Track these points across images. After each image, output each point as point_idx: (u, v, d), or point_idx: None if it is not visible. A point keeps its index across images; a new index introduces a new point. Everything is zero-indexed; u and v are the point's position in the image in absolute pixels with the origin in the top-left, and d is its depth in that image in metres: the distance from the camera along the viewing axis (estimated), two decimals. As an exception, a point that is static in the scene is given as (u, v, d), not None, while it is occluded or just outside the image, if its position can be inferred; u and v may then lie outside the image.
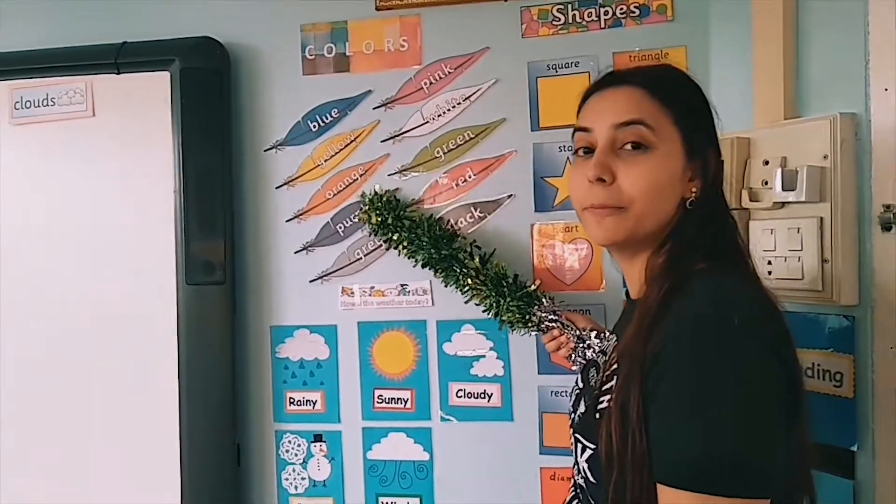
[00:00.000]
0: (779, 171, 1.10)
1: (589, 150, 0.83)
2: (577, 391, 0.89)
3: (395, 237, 1.43)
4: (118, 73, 1.56)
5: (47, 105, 1.59)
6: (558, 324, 1.27)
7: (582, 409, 0.83)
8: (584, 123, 0.85)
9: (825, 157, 1.07)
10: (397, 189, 1.51)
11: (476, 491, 1.49)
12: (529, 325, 1.33)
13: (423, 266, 1.42)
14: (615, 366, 0.77)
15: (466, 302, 1.40)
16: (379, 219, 1.44)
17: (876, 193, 1.04)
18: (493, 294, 1.35)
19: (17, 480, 1.60)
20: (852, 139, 1.06)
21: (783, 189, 1.09)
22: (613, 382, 0.75)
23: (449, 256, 1.40)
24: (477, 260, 1.38)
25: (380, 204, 1.45)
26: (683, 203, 0.81)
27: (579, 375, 0.93)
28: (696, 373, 0.66)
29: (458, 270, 1.39)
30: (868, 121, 1.05)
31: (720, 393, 0.65)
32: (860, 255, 1.06)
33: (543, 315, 1.30)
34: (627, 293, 0.92)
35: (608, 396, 0.75)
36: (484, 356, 1.48)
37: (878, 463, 1.03)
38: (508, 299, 1.33)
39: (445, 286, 1.43)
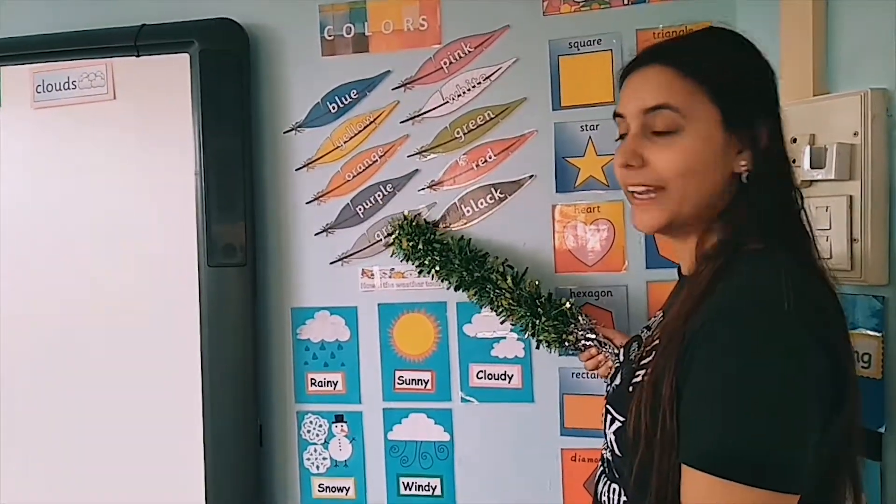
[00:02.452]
0: (807, 148, 1.07)
1: (625, 136, 0.83)
2: (618, 364, 0.89)
3: (426, 261, 1.42)
4: (138, 56, 1.56)
5: (68, 88, 1.60)
6: (595, 342, 1.26)
7: (618, 381, 0.83)
8: (618, 110, 0.85)
9: (855, 133, 1.05)
10: (423, 212, 1.51)
11: (496, 472, 1.49)
12: (566, 343, 1.31)
13: (457, 289, 1.40)
14: (656, 342, 0.76)
15: (502, 322, 1.40)
16: (410, 244, 1.42)
17: (908, 171, 1.01)
18: (528, 314, 1.33)
19: (37, 460, 1.63)
20: (883, 115, 1.04)
21: (811, 167, 1.07)
22: (651, 358, 0.74)
23: (482, 278, 1.37)
24: (509, 280, 1.35)
25: (410, 229, 1.44)
26: (737, 177, 0.78)
27: (622, 350, 0.92)
28: (732, 357, 0.65)
29: (492, 291, 1.36)
30: (900, 96, 1.02)
31: (755, 380, 0.63)
32: (890, 235, 1.04)
33: (580, 333, 1.28)
34: (679, 269, 0.91)
35: (644, 371, 0.75)
36: (504, 337, 1.48)
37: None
38: (543, 319, 1.31)
39: (480, 308, 1.43)
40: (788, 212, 0.78)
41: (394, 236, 1.47)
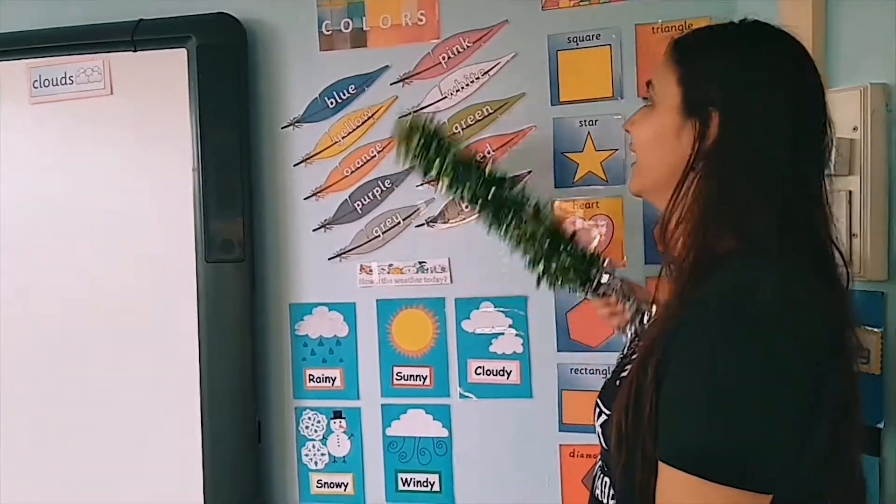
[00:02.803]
0: (806, 143, 1.07)
1: None
2: (619, 359, 0.90)
3: (437, 166, 1.19)
4: (135, 51, 1.55)
5: (65, 83, 1.59)
6: (616, 293, 1.13)
7: (609, 376, 0.85)
8: None
9: (854, 128, 1.04)
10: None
11: (495, 468, 1.49)
12: (585, 285, 1.14)
13: (470, 202, 1.19)
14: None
15: (512, 252, 1.19)
16: (422, 141, 1.20)
17: (907, 166, 1.01)
18: (547, 248, 1.14)
19: (38, 456, 1.62)
20: (883, 110, 1.03)
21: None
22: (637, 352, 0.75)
23: (500, 198, 1.17)
24: (532, 207, 1.17)
25: (421, 126, 1.21)
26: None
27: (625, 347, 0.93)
28: (710, 357, 0.65)
29: (509, 215, 1.16)
30: (900, 91, 1.02)
31: (731, 380, 0.63)
32: (889, 230, 1.04)
33: (604, 277, 1.13)
34: None
35: (630, 366, 0.75)
36: (503, 333, 1.48)
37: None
38: (564, 255, 1.14)
39: (490, 231, 1.21)
40: (759, 210, 0.73)
41: (401, 134, 1.22)
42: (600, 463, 0.86)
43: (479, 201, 1.18)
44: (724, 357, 0.64)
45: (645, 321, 1.07)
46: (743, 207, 0.73)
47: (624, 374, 0.77)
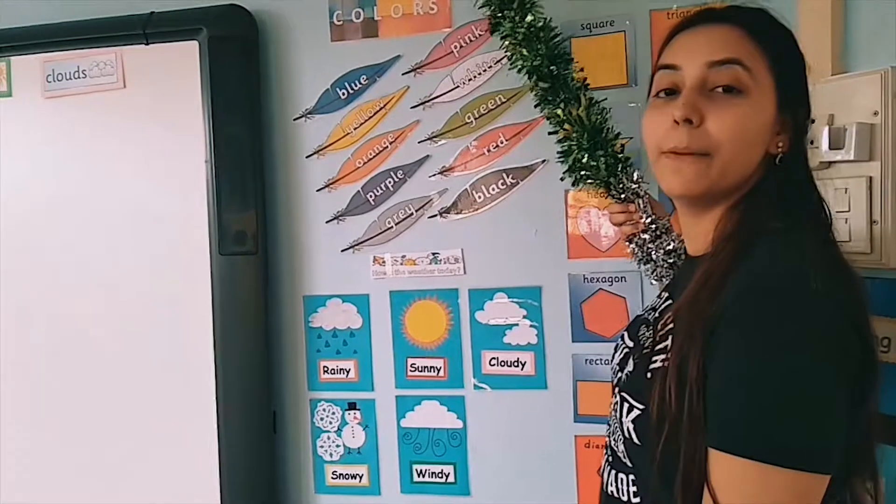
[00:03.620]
0: (826, 129, 1.05)
1: (672, 92, 0.77)
2: (626, 349, 0.85)
3: (507, 22, 1.20)
4: (147, 44, 1.55)
5: (79, 77, 1.60)
6: (640, 202, 1.14)
7: (630, 367, 0.80)
8: (671, 61, 0.78)
9: (875, 113, 1.03)
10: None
11: (510, 459, 1.49)
12: (609, 187, 1.17)
13: (528, 74, 1.20)
14: (671, 325, 0.74)
15: (550, 133, 1.22)
16: None
17: (930, 151, 0.99)
18: (585, 141, 1.16)
19: (55, 447, 1.64)
20: (905, 94, 1.01)
21: (830, 148, 1.05)
22: (669, 342, 0.72)
23: (559, 78, 1.18)
24: (585, 102, 1.17)
25: None
26: (767, 158, 0.76)
27: (626, 332, 0.90)
28: (762, 338, 0.63)
29: (560, 98, 1.18)
30: (922, 74, 1.00)
31: (786, 360, 0.62)
32: (911, 216, 1.02)
33: (630, 185, 1.15)
34: (684, 251, 0.88)
35: (662, 356, 0.73)
36: (517, 324, 1.47)
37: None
38: (599, 152, 1.16)
39: (539, 108, 1.24)
40: (810, 195, 0.76)
41: None
42: (610, 459, 0.83)
43: (539, 75, 1.19)
44: (780, 339, 0.63)
45: (670, 245, 1.09)
46: (804, 192, 0.77)
47: (654, 365, 0.74)
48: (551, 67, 1.18)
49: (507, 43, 1.23)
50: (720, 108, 0.73)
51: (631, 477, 0.78)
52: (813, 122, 1.08)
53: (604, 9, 1.40)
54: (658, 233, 1.13)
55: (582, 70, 1.22)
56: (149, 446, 1.60)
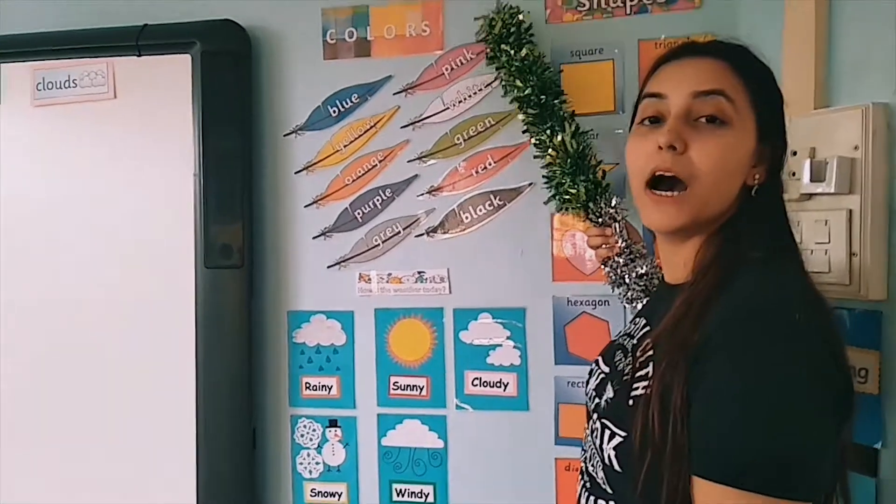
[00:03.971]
0: (807, 161, 1.07)
1: (656, 120, 0.79)
2: (602, 375, 0.86)
3: (506, 56, 1.30)
4: (139, 56, 1.56)
5: (69, 87, 1.59)
6: (616, 226, 1.22)
7: (610, 394, 0.80)
8: (656, 89, 0.80)
9: (856, 147, 1.05)
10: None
11: (490, 480, 1.49)
12: (588, 211, 1.25)
13: (517, 102, 1.31)
14: (650, 352, 0.75)
15: (535, 157, 1.33)
16: (504, 31, 1.30)
17: (908, 185, 1.01)
18: (568, 164, 1.25)
19: (30, 461, 1.62)
20: (884, 130, 1.03)
21: (811, 180, 1.07)
22: (650, 369, 0.73)
23: (548, 107, 1.28)
24: (570, 130, 1.27)
25: (511, 14, 1.32)
26: (744, 189, 0.78)
27: (601, 358, 0.90)
28: (748, 367, 0.64)
29: (547, 124, 1.27)
30: (902, 111, 1.02)
31: (772, 388, 0.63)
32: (889, 249, 1.04)
33: (608, 211, 1.23)
34: (661, 277, 0.90)
35: (644, 383, 0.73)
36: (500, 345, 1.48)
37: (884, 460, 1.01)
38: (581, 177, 1.24)
39: (527, 134, 1.33)
40: (785, 226, 0.79)
41: (490, 17, 1.33)
42: (587, 484, 0.83)
43: (528, 104, 1.28)
44: (765, 368, 0.63)
45: (641, 269, 1.14)
46: (780, 223, 0.79)
47: (635, 392, 0.74)
48: (541, 97, 1.27)
49: (501, 73, 1.31)
50: (703, 138, 0.75)
51: (611, 503, 0.79)
52: (794, 154, 1.11)
53: (593, 37, 1.42)
54: (632, 257, 1.19)
55: (569, 102, 1.30)
56: (127, 457, 1.57)
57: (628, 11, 1.41)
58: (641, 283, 1.18)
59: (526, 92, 1.27)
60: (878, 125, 1.03)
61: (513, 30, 1.30)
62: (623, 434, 0.75)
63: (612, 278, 1.23)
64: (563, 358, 1.45)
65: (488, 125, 1.47)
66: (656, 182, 0.78)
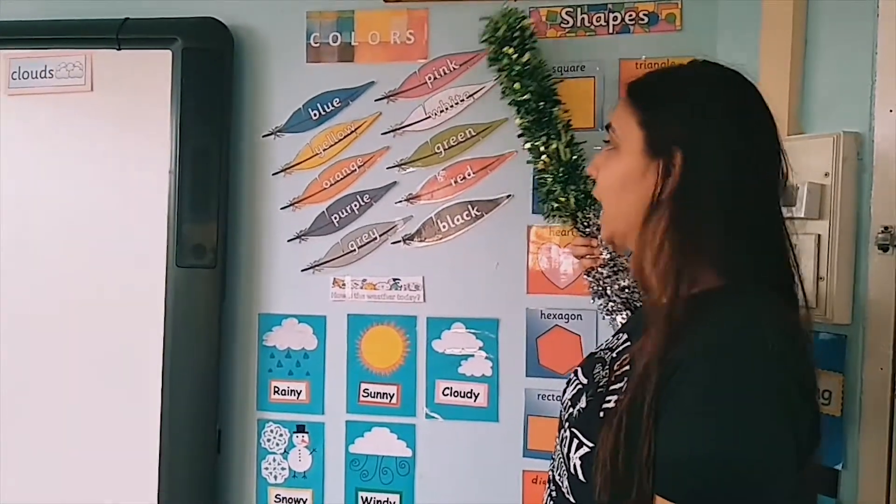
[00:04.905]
0: (779, 186, 1.09)
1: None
2: (579, 386, 0.86)
3: (507, 59, 1.31)
4: (119, 49, 1.54)
5: (45, 77, 1.57)
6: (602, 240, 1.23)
7: (583, 404, 0.81)
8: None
9: (826, 174, 1.07)
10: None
11: (457, 490, 1.48)
12: (576, 220, 1.29)
13: (518, 105, 1.32)
14: (627, 367, 0.76)
15: (528, 162, 1.35)
16: (508, 33, 1.31)
17: (875, 214, 1.03)
18: (559, 174, 1.28)
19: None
20: (854, 158, 1.06)
21: (783, 205, 1.09)
22: (624, 384, 0.74)
23: (545, 114, 1.31)
24: (565, 139, 1.30)
25: (516, 18, 1.32)
26: (654, 201, 0.79)
27: (580, 369, 0.91)
28: (717, 393, 0.65)
29: (543, 131, 1.30)
30: (871, 141, 1.05)
31: (738, 415, 0.64)
32: (855, 275, 1.06)
33: (596, 222, 1.25)
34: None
35: (616, 396, 0.74)
36: (473, 355, 1.48)
37: (862, 483, 1.03)
38: (571, 187, 1.28)
39: (520, 136, 1.35)
40: (730, 244, 0.75)
41: (495, 20, 1.34)
42: (556, 494, 0.84)
43: (527, 109, 1.31)
44: (730, 393, 0.65)
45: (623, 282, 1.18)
46: (714, 242, 0.75)
47: (607, 405, 0.75)
48: (539, 103, 1.29)
49: (502, 76, 1.33)
50: (601, 162, 0.87)
51: None
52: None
53: (576, 54, 1.44)
54: (615, 269, 1.20)
55: (567, 111, 1.33)
56: (88, 456, 1.54)
57: (611, 31, 1.43)
58: (623, 296, 1.20)
59: (524, 97, 1.30)
60: (849, 153, 1.06)
61: (517, 34, 1.32)
62: (590, 445, 0.75)
63: (593, 289, 1.24)
64: (534, 370, 1.45)
65: (469, 135, 1.48)
66: None
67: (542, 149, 1.30)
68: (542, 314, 1.45)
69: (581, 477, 0.76)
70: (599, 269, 1.22)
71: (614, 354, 0.84)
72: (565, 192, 1.27)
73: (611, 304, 1.21)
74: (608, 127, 0.86)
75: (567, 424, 0.82)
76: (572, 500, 0.79)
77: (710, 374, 0.66)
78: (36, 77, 1.57)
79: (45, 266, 1.57)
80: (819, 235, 1.08)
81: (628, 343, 0.84)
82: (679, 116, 0.79)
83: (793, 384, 0.67)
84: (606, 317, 1.24)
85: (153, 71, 1.52)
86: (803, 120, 1.17)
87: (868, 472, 1.03)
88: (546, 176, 1.30)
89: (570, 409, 0.84)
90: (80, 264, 1.56)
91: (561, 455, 0.82)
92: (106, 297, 1.55)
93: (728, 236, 0.75)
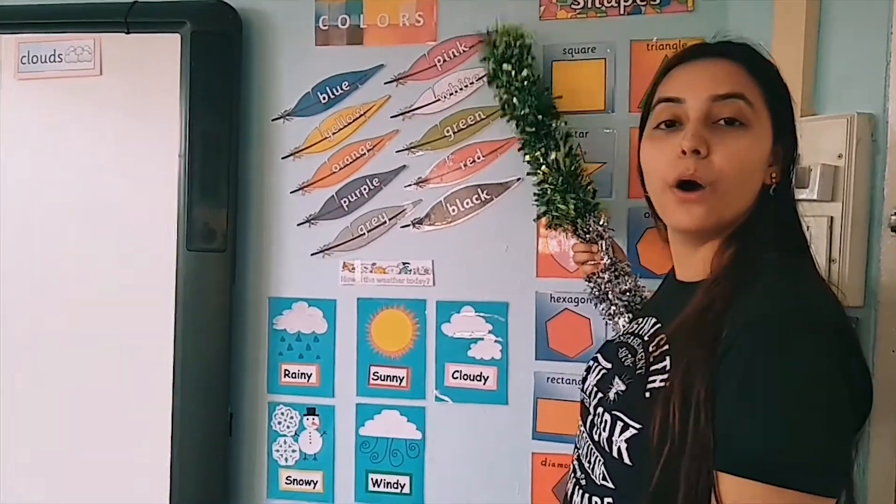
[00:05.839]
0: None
1: (672, 124, 0.80)
2: (603, 371, 0.86)
3: (504, 74, 1.32)
4: (128, 33, 1.53)
5: (54, 61, 1.57)
6: (603, 243, 1.25)
7: (621, 387, 0.79)
8: (672, 94, 0.81)
9: (839, 156, 1.06)
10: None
11: (466, 473, 1.49)
12: (577, 227, 1.28)
13: (513, 121, 1.33)
14: (665, 346, 0.75)
15: (528, 174, 1.35)
16: (507, 51, 1.32)
17: (888, 195, 1.03)
18: (558, 184, 1.28)
19: (6, 441, 1.59)
20: (868, 139, 1.05)
21: (795, 187, 1.08)
22: (667, 363, 0.73)
23: (544, 127, 1.31)
24: (564, 150, 1.30)
25: (515, 35, 1.33)
26: (763, 189, 0.79)
27: (600, 356, 0.90)
28: (774, 363, 0.65)
29: (541, 143, 1.30)
30: (885, 122, 1.04)
31: (798, 387, 0.64)
32: (867, 257, 1.06)
33: (595, 227, 1.26)
34: (673, 275, 0.92)
35: (662, 376, 0.73)
36: (482, 339, 1.48)
37: (872, 465, 1.03)
38: (571, 194, 1.27)
39: (520, 150, 1.35)
40: (799, 225, 0.81)
41: (495, 35, 1.35)
42: (585, 482, 0.82)
43: (526, 122, 1.31)
44: (793, 365, 0.65)
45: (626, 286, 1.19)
46: (795, 222, 0.80)
47: (651, 385, 0.74)
48: (538, 116, 1.30)
49: (501, 92, 1.33)
50: (724, 140, 0.76)
51: (608, 500, 0.78)
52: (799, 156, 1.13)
53: (586, 35, 1.43)
54: (616, 273, 1.22)
55: (566, 123, 1.34)
56: (100, 440, 1.56)
57: (622, 11, 1.42)
58: (624, 300, 1.22)
59: (524, 112, 1.30)
60: (863, 135, 1.05)
61: (515, 51, 1.32)
62: (638, 426, 0.74)
63: (595, 294, 1.25)
64: (543, 353, 1.46)
65: (478, 119, 1.47)
66: (681, 184, 0.78)
67: (541, 160, 1.30)
68: (551, 297, 1.45)
69: (627, 460, 0.75)
70: (601, 274, 1.24)
71: (646, 338, 0.83)
72: (565, 200, 1.27)
73: (612, 307, 1.23)
74: (734, 97, 0.76)
75: (602, 409, 0.81)
76: (611, 485, 0.78)
77: (766, 345, 0.66)
78: (45, 61, 1.57)
79: (54, 250, 1.58)
80: (832, 217, 1.07)
81: (659, 325, 0.83)
82: (789, 103, 0.81)
83: (845, 348, 0.67)
84: (608, 321, 1.26)
85: (162, 55, 1.52)
86: (817, 101, 1.15)
87: (878, 454, 1.03)
88: (546, 186, 1.30)
89: (600, 395, 0.83)
90: (90, 249, 1.57)
91: (593, 441, 0.82)
92: (116, 282, 1.56)
93: (798, 219, 0.81)
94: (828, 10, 1.15)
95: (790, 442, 0.63)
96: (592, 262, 1.26)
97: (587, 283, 1.27)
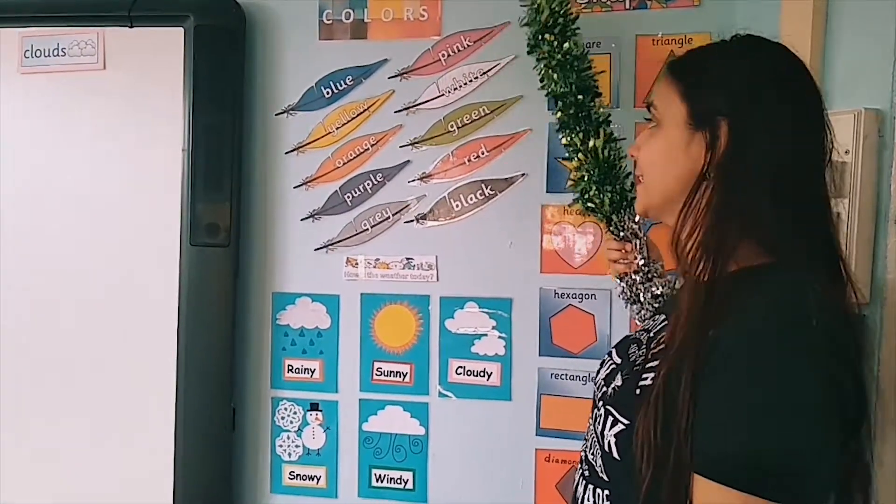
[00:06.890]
0: (799, 163, 1.08)
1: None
2: (613, 366, 0.86)
3: (547, 45, 1.21)
4: (131, 27, 1.53)
5: (57, 55, 1.56)
6: (637, 242, 1.16)
7: (619, 382, 0.80)
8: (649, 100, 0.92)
9: (847, 152, 1.06)
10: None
11: (470, 468, 1.49)
12: (610, 223, 1.19)
13: (552, 96, 1.23)
14: (663, 346, 0.75)
15: (564, 159, 1.30)
16: (550, 20, 1.20)
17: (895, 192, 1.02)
18: (596, 173, 1.18)
19: (5, 435, 1.60)
20: (875, 135, 1.04)
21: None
22: (660, 362, 0.73)
23: (584, 107, 1.20)
24: (604, 137, 1.19)
25: (560, 3, 1.21)
26: (700, 174, 0.79)
27: (614, 350, 0.91)
28: (759, 369, 0.64)
29: (580, 125, 1.20)
30: (893, 118, 1.03)
31: (777, 395, 0.63)
32: (874, 254, 1.05)
33: (631, 226, 1.17)
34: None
35: (653, 374, 0.73)
36: (486, 335, 1.48)
37: (879, 460, 1.03)
38: (607, 187, 1.18)
39: (559, 133, 1.25)
40: (775, 216, 0.74)
41: (538, 2, 1.21)
42: (586, 473, 0.83)
43: (565, 102, 1.21)
44: (775, 370, 0.64)
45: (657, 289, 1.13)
46: (758, 213, 0.74)
47: (644, 382, 0.75)
48: (578, 97, 1.20)
49: (541, 65, 1.24)
50: (645, 141, 0.87)
51: (606, 492, 0.79)
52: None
53: (591, 30, 1.41)
54: (650, 276, 1.14)
55: (608, 105, 1.26)
56: (104, 434, 1.56)
57: (628, 6, 1.41)
58: (656, 304, 1.13)
59: (563, 89, 1.20)
60: (870, 131, 1.04)
61: (559, 20, 1.22)
62: (626, 422, 0.75)
63: (626, 295, 1.17)
64: (547, 349, 1.45)
65: (483, 114, 1.47)
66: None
67: (578, 145, 1.20)
68: (555, 294, 1.45)
69: (616, 455, 0.76)
70: (633, 276, 1.16)
71: (651, 334, 0.84)
72: (600, 192, 1.19)
73: (643, 311, 1.15)
74: (649, 106, 0.87)
75: (601, 403, 0.82)
76: (606, 478, 0.79)
77: (752, 356, 0.65)
78: (49, 55, 1.57)
79: (57, 244, 1.58)
80: (839, 214, 1.06)
81: (666, 323, 0.83)
82: (723, 86, 0.78)
83: (837, 359, 0.66)
84: (640, 323, 1.16)
85: (166, 49, 1.51)
86: (824, 96, 1.14)
87: (885, 450, 1.02)
88: (582, 174, 1.21)
89: (605, 388, 0.84)
90: (93, 243, 1.56)
91: (594, 434, 0.82)
92: (119, 276, 1.55)
93: (775, 208, 0.73)
94: (835, 5, 1.14)
95: (763, 448, 0.62)
96: (625, 262, 1.18)
97: (618, 282, 1.19)
